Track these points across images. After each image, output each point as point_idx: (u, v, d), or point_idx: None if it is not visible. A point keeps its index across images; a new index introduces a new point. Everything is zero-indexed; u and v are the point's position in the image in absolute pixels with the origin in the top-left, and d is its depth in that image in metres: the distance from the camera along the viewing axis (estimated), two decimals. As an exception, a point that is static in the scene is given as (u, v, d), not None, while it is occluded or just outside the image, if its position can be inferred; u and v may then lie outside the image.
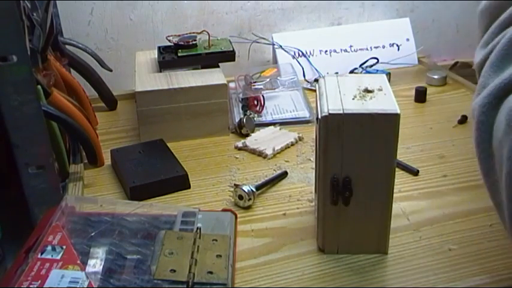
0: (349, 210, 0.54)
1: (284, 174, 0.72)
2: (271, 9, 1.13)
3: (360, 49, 1.10)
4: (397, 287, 0.53)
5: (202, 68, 0.89)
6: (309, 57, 1.08)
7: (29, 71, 0.57)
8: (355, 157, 0.52)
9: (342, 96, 0.52)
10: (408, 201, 0.67)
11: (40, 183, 0.62)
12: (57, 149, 0.71)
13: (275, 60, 1.08)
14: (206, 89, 0.82)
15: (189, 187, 0.71)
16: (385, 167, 0.52)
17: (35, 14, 0.72)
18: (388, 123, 0.50)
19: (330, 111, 0.50)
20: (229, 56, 0.89)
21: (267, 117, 0.89)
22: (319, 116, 0.51)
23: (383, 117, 0.50)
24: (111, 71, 0.97)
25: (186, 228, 0.57)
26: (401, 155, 0.75)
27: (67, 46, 0.91)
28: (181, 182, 0.71)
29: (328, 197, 0.54)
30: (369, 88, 0.54)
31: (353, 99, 0.52)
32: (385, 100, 0.52)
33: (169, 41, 0.90)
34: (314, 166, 0.62)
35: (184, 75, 0.86)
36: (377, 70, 1.03)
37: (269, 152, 0.78)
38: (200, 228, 0.57)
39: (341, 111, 0.50)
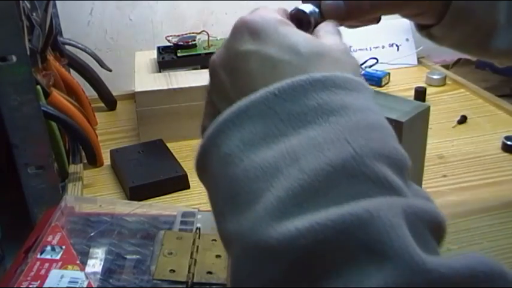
0: None
1: (284, 174, 0.72)
2: (271, 10, 1.13)
3: (360, 49, 1.10)
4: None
5: (202, 68, 0.88)
6: (309, 57, 1.08)
7: (28, 71, 0.57)
8: None
9: None
10: (408, 201, 0.66)
11: (39, 183, 0.62)
12: (56, 149, 0.71)
13: (275, 61, 1.08)
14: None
15: (188, 187, 0.71)
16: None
17: (34, 14, 0.72)
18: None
19: None
20: (228, 56, 0.89)
21: (266, 117, 0.89)
22: None
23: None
24: (110, 71, 0.97)
25: (185, 228, 0.57)
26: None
27: (66, 46, 0.91)
28: (180, 182, 0.71)
29: None
30: None
31: None
32: None
33: (168, 41, 0.90)
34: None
35: (183, 75, 0.86)
36: (376, 70, 1.03)
37: (269, 152, 0.78)
38: (200, 229, 0.56)
39: None
